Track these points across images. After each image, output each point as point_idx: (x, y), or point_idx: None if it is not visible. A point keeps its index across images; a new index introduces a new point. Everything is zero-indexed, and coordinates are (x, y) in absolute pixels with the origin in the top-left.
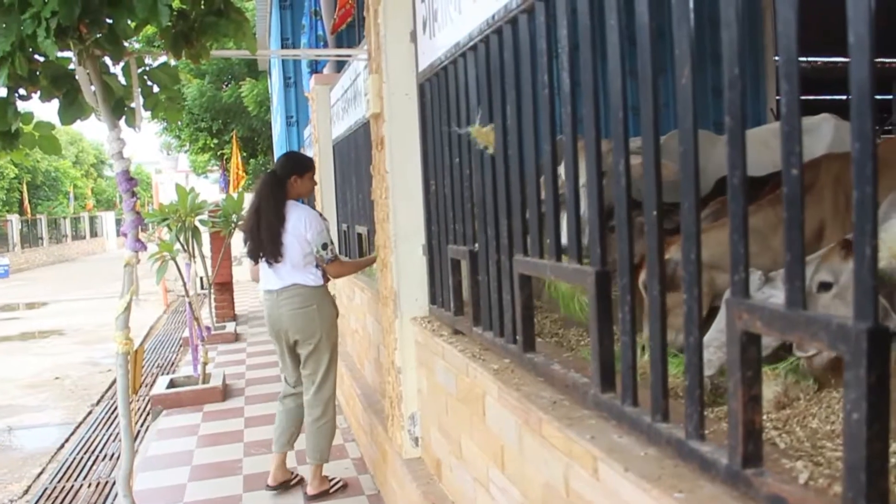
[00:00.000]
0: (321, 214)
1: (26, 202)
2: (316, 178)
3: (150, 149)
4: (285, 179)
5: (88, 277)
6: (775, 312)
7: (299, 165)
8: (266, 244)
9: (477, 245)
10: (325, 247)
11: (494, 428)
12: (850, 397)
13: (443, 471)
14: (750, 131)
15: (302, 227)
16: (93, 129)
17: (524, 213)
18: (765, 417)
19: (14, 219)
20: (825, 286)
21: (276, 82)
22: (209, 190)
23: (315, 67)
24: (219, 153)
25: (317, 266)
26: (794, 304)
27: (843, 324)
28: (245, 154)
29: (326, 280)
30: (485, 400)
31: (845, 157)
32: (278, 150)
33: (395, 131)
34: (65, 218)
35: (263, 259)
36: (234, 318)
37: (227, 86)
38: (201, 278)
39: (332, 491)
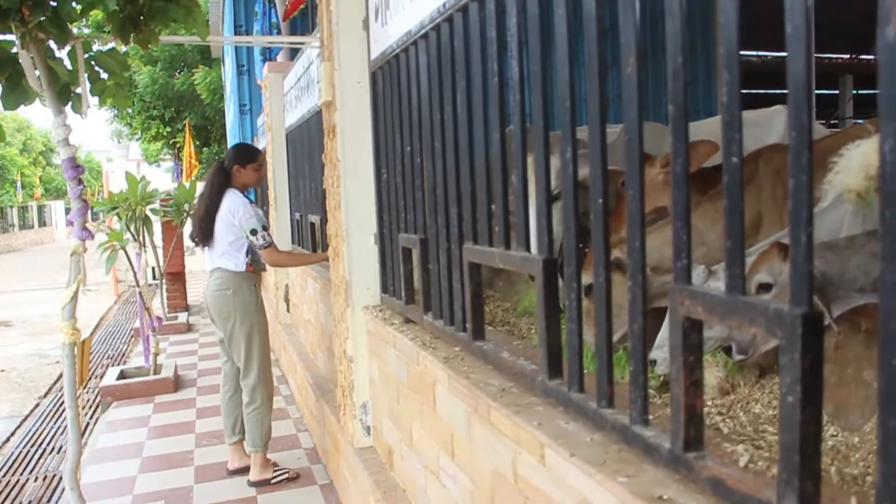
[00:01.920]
0: (253, 202)
1: None
2: (271, 167)
3: (101, 137)
4: (230, 169)
5: (37, 268)
6: (716, 298)
7: (242, 156)
8: (200, 229)
9: (427, 234)
10: (253, 232)
11: (445, 416)
12: (785, 381)
13: (394, 459)
14: (702, 122)
15: (230, 214)
16: (41, 116)
17: (474, 202)
18: (709, 403)
19: None
20: (765, 287)
21: (229, 70)
22: (162, 179)
23: (268, 55)
24: (171, 142)
25: (248, 253)
26: (734, 290)
27: (779, 309)
28: (198, 143)
29: (253, 268)
30: (435, 388)
31: (785, 148)
32: (232, 138)
33: (347, 120)
34: (12, 207)
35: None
36: (187, 308)
37: (179, 73)
38: (153, 268)
39: (274, 481)
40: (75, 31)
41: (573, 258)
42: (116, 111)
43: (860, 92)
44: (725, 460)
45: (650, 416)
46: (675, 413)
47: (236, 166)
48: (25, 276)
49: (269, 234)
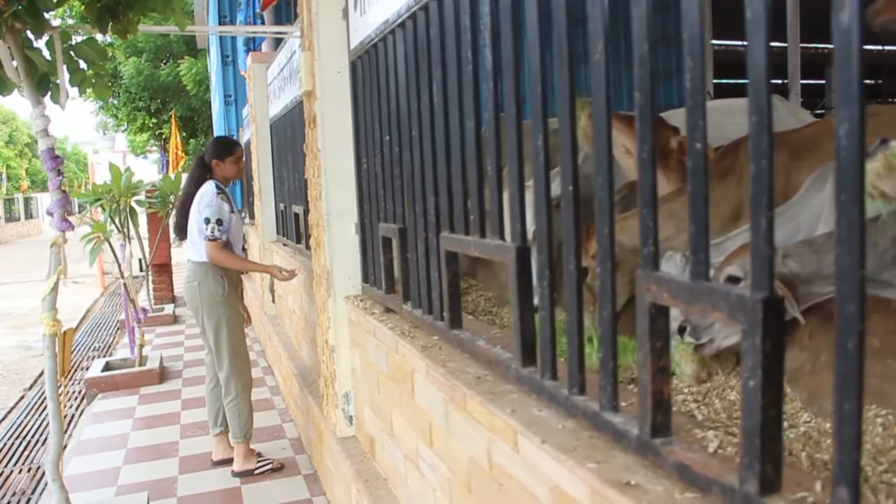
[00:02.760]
0: (221, 195)
1: None
2: (255, 158)
3: (88, 128)
4: (209, 163)
5: (22, 260)
6: (680, 284)
7: (221, 149)
8: (177, 221)
9: (406, 223)
10: (206, 221)
11: (423, 405)
12: (746, 365)
13: (376, 449)
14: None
15: (198, 204)
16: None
17: (450, 191)
18: (685, 391)
19: None
20: (734, 280)
21: (214, 61)
22: (148, 171)
23: (252, 45)
24: (158, 133)
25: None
26: (697, 276)
27: (740, 294)
28: (185, 134)
29: None
30: (414, 377)
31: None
32: (217, 130)
33: (328, 109)
34: None
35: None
36: (173, 300)
37: (165, 64)
38: (140, 260)
39: (257, 471)
40: (55, 21)
41: (544, 245)
42: (101, 103)
43: None
44: (692, 446)
45: (622, 403)
46: (643, 399)
47: (215, 160)
48: (11, 268)
49: (220, 230)
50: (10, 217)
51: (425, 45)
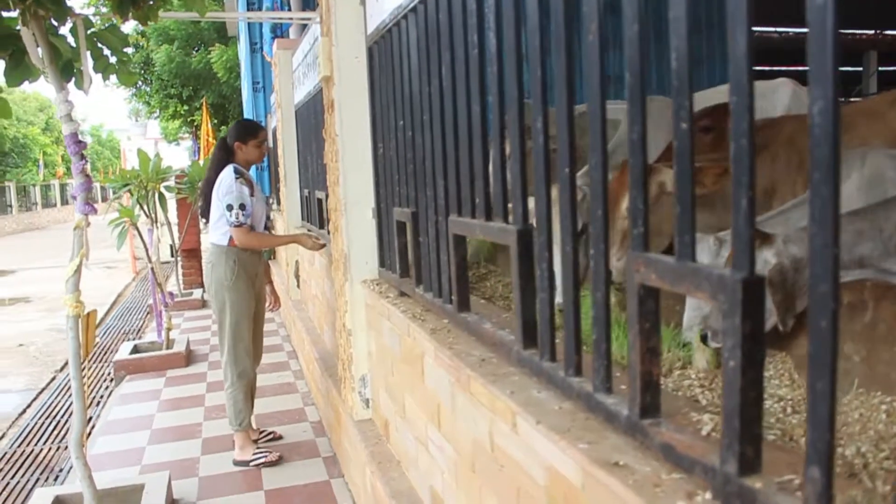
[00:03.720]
0: (239, 179)
1: None
2: (280, 144)
3: (122, 116)
4: (231, 146)
5: (58, 246)
6: (667, 265)
7: (243, 133)
8: (202, 205)
9: (418, 207)
10: (229, 208)
11: (432, 387)
12: (727, 346)
13: (390, 431)
14: (707, 91)
15: (217, 190)
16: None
17: (458, 175)
18: (693, 376)
19: None
20: None
21: (243, 48)
22: (180, 157)
23: (279, 32)
24: (189, 120)
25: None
26: (683, 256)
27: (722, 274)
28: (216, 121)
29: (234, 242)
30: (423, 360)
31: (802, 118)
32: (247, 116)
33: (345, 94)
34: (34, 186)
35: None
36: (202, 284)
37: (196, 51)
38: (170, 246)
39: (252, 463)
40: (92, 9)
41: (544, 227)
42: (134, 90)
43: (884, 69)
44: (681, 427)
45: (621, 386)
46: (632, 380)
47: (237, 143)
48: (47, 253)
49: (244, 215)
50: (47, 203)
51: (435, 29)
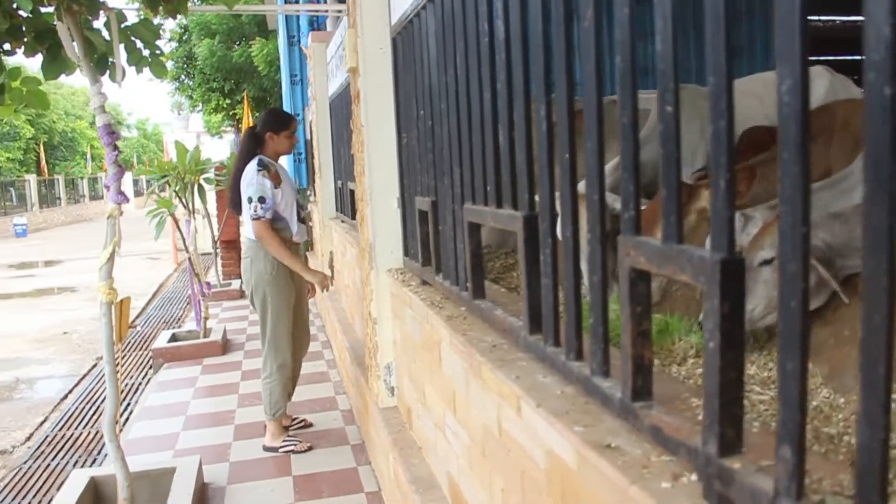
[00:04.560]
0: (262, 172)
1: (43, 162)
2: (315, 136)
3: (166, 110)
4: (262, 136)
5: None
6: (654, 248)
7: (275, 122)
8: (230, 197)
9: (438, 196)
10: (249, 200)
11: (448, 374)
12: (707, 326)
13: (413, 418)
14: (742, 80)
15: (242, 181)
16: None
17: (472, 163)
18: (699, 363)
19: (32, 179)
20: (767, 262)
21: (281, 41)
22: (223, 150)
23: (315, 24)
24: (231, 113)
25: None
26: (668, 238)
27: (702, 256)
28: (257, 114)
29: (281, 236)
30: (440, 347)
31: (856, 103)
32: (286, 109)
33: (370, 85)
34: (82, 178)
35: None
36: (240, 275)
37: (237, 45)
38: (213, 238)
39: (281, 450)
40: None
41: (547, 214)
42: (177, 83)
43: None
44: (671, 410)
45: (610, 368)
46: (624, 363)
47: (269, 133)
48: (93, 244)
49: (263, 208)
50: (94, 195)
51: (451, 18)
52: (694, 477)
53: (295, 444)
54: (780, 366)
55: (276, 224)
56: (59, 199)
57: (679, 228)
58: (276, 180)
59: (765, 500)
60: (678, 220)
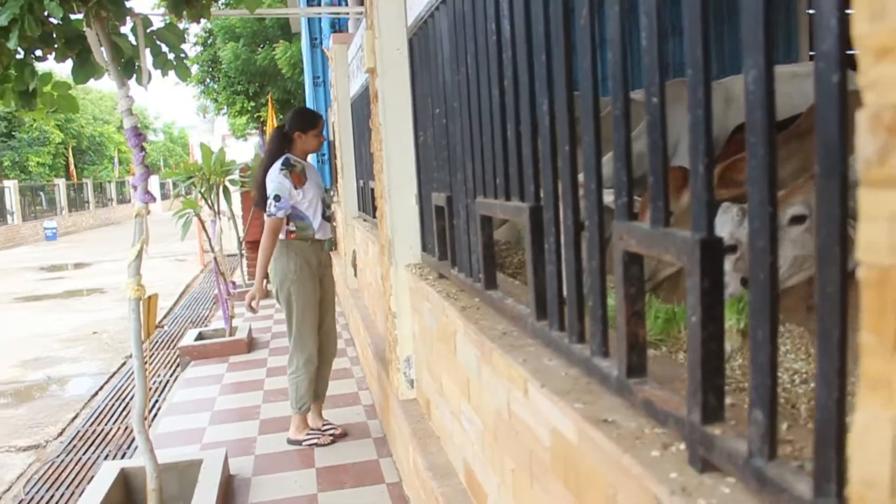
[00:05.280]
0: (283, 171)
1: (72, 167)
2: (337, 136)
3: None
4: (290, 134)
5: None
6: (643, 231)
7: (303, 121)
8: (256, 196)
9: (452, 191)
10: (275, 198)
11: (462, 362)
12: (690, 303)
13: (431, 409)
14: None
15: (267, 179)
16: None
17: (483, 158)
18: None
19: (61, 183)
20: (798, 219)
21: (304, 43)
22: (248, 153)
23: (337, 26)
24: (256, 116)
25: (289, 220)
26: (656, 222)
27: (684, 237)
28: (281, 116)
29: (294, 235)
30: (455, 337)
31: (853, 98)
32: None
33: (388, 85)
34: (110, 182)
35: None
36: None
37: (261, 48)
38: (238, 239)
39: (304, 444)
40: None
41: (552, 203)
42: (202, 87)
43: None
44: (662, 385)
45: (609, 348)
46: (619, 342)
47: (297, 132)
48: (121, 247)
49: (276, 206)
50: (122, 199)
51: (462, 19)
52: (682, 446)
53: (318, 438)
54: (751, 335)
55: (298, 222)
56: (88, 202)
57: (666, 213)
58: (299, 180)
59: (740, 460)
60: (665, 206)
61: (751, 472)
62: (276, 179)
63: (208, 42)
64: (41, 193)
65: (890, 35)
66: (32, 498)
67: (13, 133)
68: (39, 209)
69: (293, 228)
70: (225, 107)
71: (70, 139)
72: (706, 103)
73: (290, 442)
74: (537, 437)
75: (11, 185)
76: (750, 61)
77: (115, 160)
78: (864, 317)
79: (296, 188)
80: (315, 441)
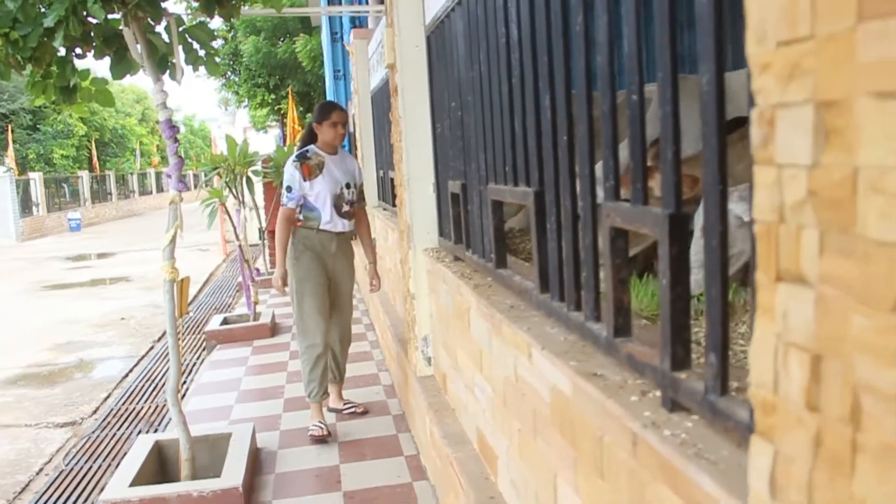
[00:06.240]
0: (296, 163)
1: (95, 159)
2: (358, 128)
3: (213, 106)
4: (312, 127)
5: (154, 230)
6: (626, 209)
7: (318, 113)
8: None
9: (467, 179)
10: (286, 189)
11: (475, 336)
12: (661, 268)
13: (447, 384)
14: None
15: None
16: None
17: (493, 148)
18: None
19: (84, 175)
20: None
21: (324, 38)
22: (269, 145)
23: (357, 22)
24: (276, 108)
25: (301, 209)
26: (636, 201)
27: (655, 212)
28: (301, 109)
29: (301, 223)
30: (469, 313)
31: None
32: None
33: (407, 80)
34: (132, 174)
35: None
36: None
37: (281, 42)
38: (259, 229)
39: (309, 433)
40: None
41: (551, 187)
42: (223, 80)
43: None
44: (642, 343)
45: (601, 314)
46: (608, 307)
47: (315, 124)
48: (144, 237)
49: (287, 197)
50: (144, 190)
51: (475, 20)
52: (658, 393)
53: (321, 431)
54: (706, 293)
55: (307, 213)
56: (111, 194)
57: (644, 193)
58: (309, 172)
59: (699, 397)
60: (643, 187)
61: (707, 406)
62: (288, 171)
63: (229, 36)
64: (65, 185)
65: (768, 55)
66: (72, 469)
67: (38, 126)
68: (63, 201)
69: (301, 217)
70: (246, 99)
71: (93, 132)
72: (674, 100)
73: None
74: (540, 396)
75: (37, 178)
76: (704, 67)
77: (137, 152)
78: (757, 261)
79: (305, 180)
80: (315, 433)
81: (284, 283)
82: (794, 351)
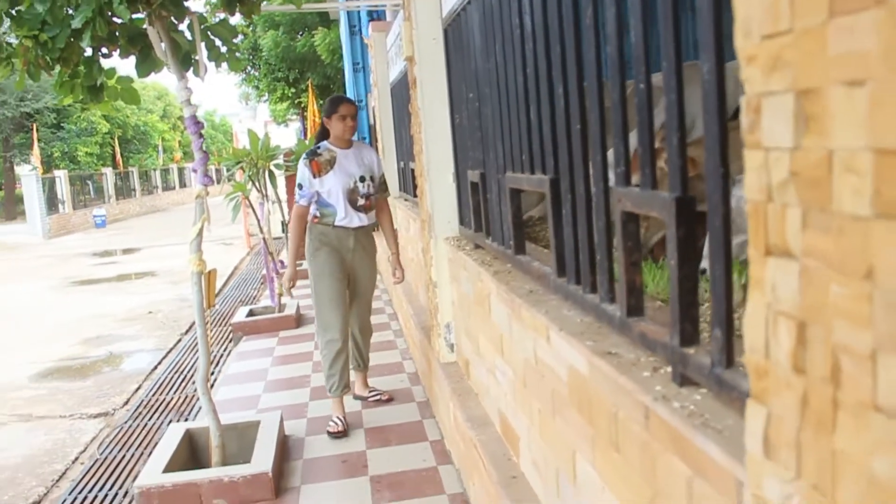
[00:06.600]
0: (306, 160)
1: (118, 156)
2: (378, 120)
3: (234, 101)
4: (325, 123)
5: (178, 225)
6: (636, 194)
7: (326, 108)
8: None
9: (486, 168)
10: (298, 186)
11: (496, 321)
12: (668, 249)
13: (470, 370)
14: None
15: None
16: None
17: (511, 138)
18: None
19: (108, 172)
20: None
21: (343, 31)
22: (290, 138)
23: (375, 15)
24: (296, 102)
25: (317, 205)
26: (645, 186)
27: (663, 196)
28: (321, 102)
29: (318, 219)
30: (490, 299)
31: None
32: (349, 96)
33: (426, 72)
34: (155, 170)
35: None
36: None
37: (300, 35)
38: (282, 222)
39: (327, 429)
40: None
41: (566, 174)
42: (244, 75)
43: None
44: (654, 322)
45: (615, 295)
46: (621, 288)
47: (325, 119)
48: (168, 232)
49: (299, 194)
50: (167, 186)
51: (490, 12)
52: (669, 368)
53: (337, 427)
54: (711, 271)
55: (322, 209)
56: (134, 190)
57: (653, 178)
58: (319, 169)
59: (706, 371)
60: (652, 171)
61: (713, 379)
62: (300, 168)
63: (249, 30)
64: (90, 182)
65: (754, 47)
66: (106, 458)
67: (62, 124)
68: (88, 198)
69: (317, 214)
70: (266, 94)
71: (116, 129)
72: (679, 89)
73: None
74: (558, 376)
75: (62, 175)
76: (704, 56)
77: (160, 148)
78: (749, 237)
79: (315, 177)
80: (334, 430)
81: (292, 284)
82: (782, 319)
